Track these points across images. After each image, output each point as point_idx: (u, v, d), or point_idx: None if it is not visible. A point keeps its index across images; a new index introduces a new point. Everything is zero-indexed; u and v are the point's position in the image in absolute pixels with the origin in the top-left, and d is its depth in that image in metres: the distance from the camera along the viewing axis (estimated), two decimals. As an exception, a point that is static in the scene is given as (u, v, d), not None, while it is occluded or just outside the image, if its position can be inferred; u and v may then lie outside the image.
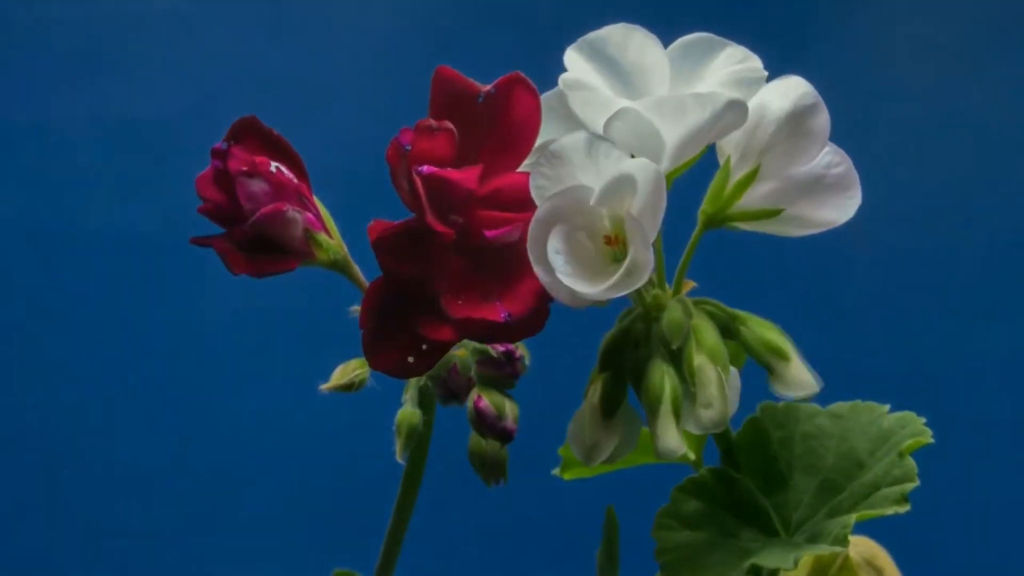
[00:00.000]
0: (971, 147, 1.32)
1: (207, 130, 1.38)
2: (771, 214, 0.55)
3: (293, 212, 0.57)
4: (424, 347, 0.54)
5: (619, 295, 0.51)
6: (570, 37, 0.55)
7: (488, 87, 0.55)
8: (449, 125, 0.54)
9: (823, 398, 0.62)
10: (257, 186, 0.57)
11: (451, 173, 0.54)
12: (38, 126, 1.36)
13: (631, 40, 0.54)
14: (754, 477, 0.57)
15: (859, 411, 0.58)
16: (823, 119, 0.54)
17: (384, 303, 0.54)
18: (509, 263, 0.54)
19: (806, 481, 0.57)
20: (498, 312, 0.53)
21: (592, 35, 0.54)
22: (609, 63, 0.54)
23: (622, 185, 0.50)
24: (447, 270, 0.54)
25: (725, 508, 0.57)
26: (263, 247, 0.57)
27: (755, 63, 0.53)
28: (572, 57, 0.54)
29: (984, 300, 1.30)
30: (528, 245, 0.51)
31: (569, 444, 0.59)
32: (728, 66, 0.53)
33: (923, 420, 0.55)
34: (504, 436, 0.62)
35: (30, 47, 1.37)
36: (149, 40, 1.36)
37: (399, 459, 0.61)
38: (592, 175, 0.51)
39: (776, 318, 0.58)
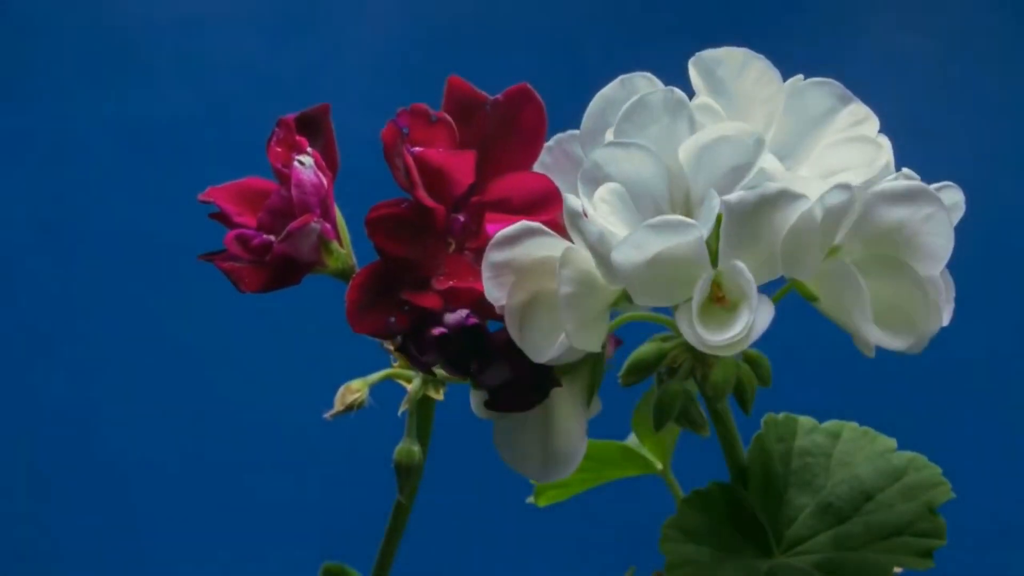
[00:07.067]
0: (965, 155, 1.35)
1: (220, 133, 1.34)
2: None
3: (315, 223, 0.55)
4: (406, 308, 0.54)
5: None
6: (570, 41, 0.54)
7: (495, 97, 0.56)
8: (447, 117, 0.55)
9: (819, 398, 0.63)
10: (306, 175, 0.55)
11: (444, 156, 0.54)
12: (54, 128, 1.36)
13: (749, 69, 0.52)
14: (757, 493, 0.58)
15: (858, 436, 0.59)
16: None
17: (374, 279, 0.54)
18: None
19: (800, 498, 0.58)
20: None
21: (708, 52, 0.53)
22: (717, 84, 0.52)
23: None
24: (443, 260, 0.54)
25: (727, 523, 0.57)
26: (278, 260, 0.55)
27: (874, 125, 0.52)
28: (691, 70, 0.53)
29: (977, 305, 1.32)
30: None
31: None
32: (848, 127, 0.52)
33: (938, 470, 0.57)
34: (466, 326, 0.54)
35: (47, 51, 1.37)
36: (163, 44, 1.37)
37: (401, 499, 0.60)
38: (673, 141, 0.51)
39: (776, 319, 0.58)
